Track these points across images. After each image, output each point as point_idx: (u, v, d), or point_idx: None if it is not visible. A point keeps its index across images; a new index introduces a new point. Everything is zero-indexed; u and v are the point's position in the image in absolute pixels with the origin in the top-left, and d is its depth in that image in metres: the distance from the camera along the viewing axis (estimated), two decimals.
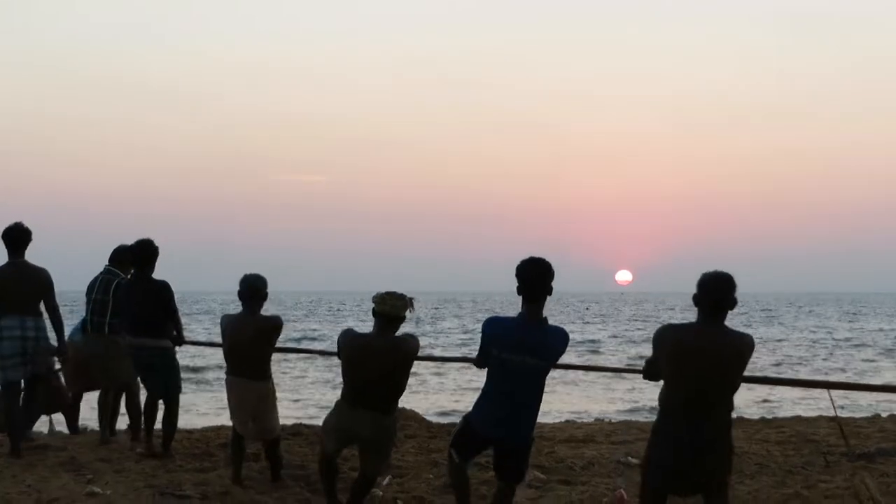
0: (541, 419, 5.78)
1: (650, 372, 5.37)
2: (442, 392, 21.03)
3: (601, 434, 9.74)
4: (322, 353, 11.47)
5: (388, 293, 6.13)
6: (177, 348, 8.27)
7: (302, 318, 68.12)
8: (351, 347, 6.16)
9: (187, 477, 7.31)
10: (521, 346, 5.44)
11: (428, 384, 22.25)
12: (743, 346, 5.02)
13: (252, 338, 6.95)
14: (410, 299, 6.19)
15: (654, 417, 12.48)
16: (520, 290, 5.52)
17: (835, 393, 7.01)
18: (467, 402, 19.82)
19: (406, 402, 14.12)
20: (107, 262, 8.72)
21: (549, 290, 5.55)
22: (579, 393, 21.33)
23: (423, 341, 6.44)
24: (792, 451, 8.77)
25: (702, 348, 4.94)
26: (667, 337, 5.10)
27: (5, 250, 8.17)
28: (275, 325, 7.09)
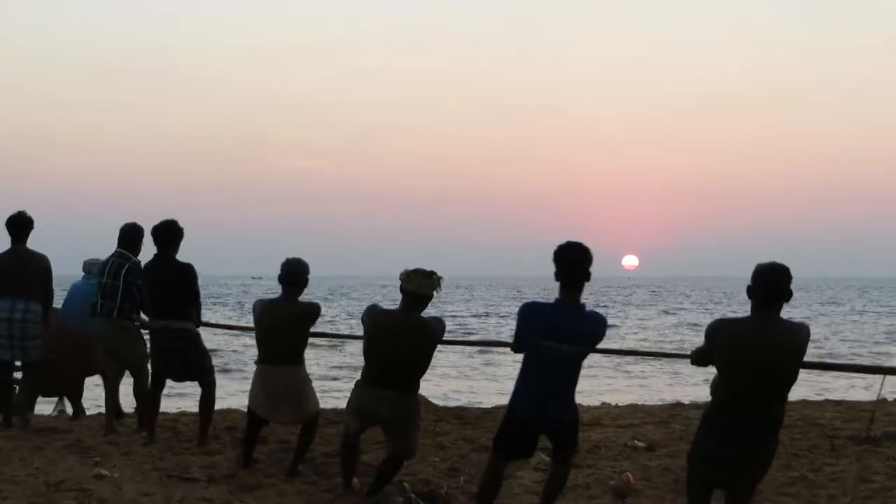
0: None
1: (699, 360, 5.33)
2: (448, 376, 21.04)
3: (607, 418, 9.74)
4: (349, 336, 11.31)
5: (414, 270, 6.04)
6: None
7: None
8: (375, 324, 6.11)
9: (194, 459, 7.33)
10: (558, 333, 5.35)
11: (434, 367, 22.17)
12: (799, 336, 4.95)
13: (289, 324, 6.80)
14: (439, 278, 6.08)
15: (661, 402, 12.45)
16: (557, 276, 5.42)
17: (841, 380, 6.98)
18: (473, 386, 19.91)
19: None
20: (117, 245, 8.40)
21: (588, 276, 5.44)
22: (585, 376, 21.17)
23: None
24: (798, 435, 8.76)
25: (756, 342, 4.87)
26: (720, 331, 5.05)
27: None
28: (313, 311, 6.93)
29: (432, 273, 6.06)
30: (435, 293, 6.13)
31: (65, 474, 6.70)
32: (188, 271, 7.95)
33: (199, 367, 7.97)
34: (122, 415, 9.11)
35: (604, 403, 11.71)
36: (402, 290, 6.07)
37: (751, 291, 5.00)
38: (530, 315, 5.51)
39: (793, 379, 5.00)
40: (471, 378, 21.14)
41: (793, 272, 5.04)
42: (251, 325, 7.14)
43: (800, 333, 4.97)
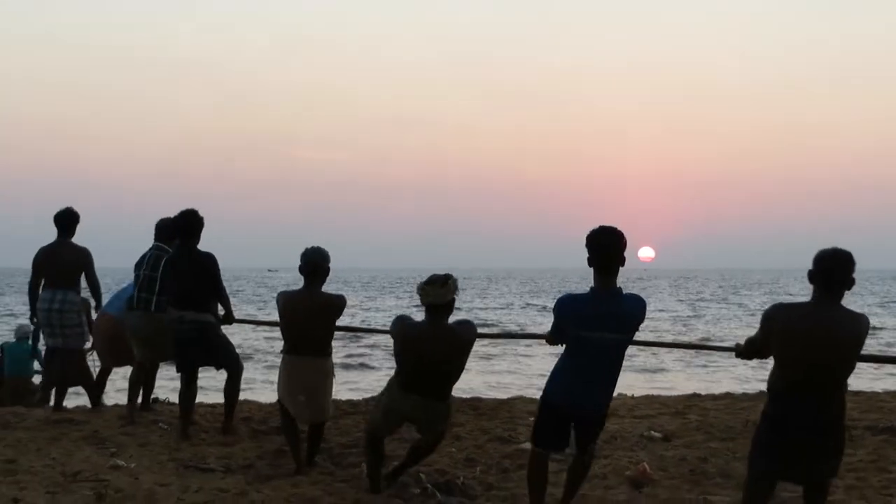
0: None
1: (748, 351, 5.24)
2: (466, 367, 21.06)
3: (624, 408, 9.72)
4: (369, 330, 11.29)
5: (427, 283, 5.93)
6: (224, 327, 8.10)
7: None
8: (404, 337, 6.03)
9: (211, 450, 7.35)
10: (597, 322, 5.21)
11: None
12: (859, 326, 4.80)
13: (312, 315, 6.70)
14: (455, 281, 5.97)
15: (675, 392, 12.36)
16: (591, 262, 5.27)
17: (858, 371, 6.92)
18: (489, 377, 19.88)
19: None
20: (154, 239, 8.48)
21: (622, 261, 5.30)
22: None
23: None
24: None
25: (813, 329, 4.75)
26: (777, 316, 4.91)
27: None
28: (338, 303, 6.82)
29: (447, 278, 5.95)
30: (455, 297, 6.03)
31: (81, 465, 6.73)
32: (209, 261, 7.87)
33: (218, 358, 7.94)
34: (150, 406, 9.08)
35: (620, 394, 11.68)
36: (422, 303, 5.98)
37: (811, 276, 4.85)
38: (567, 307, 5.37)
39: (850, 369, 4.87)
40: (487, 369, 21.14)
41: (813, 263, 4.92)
42: (273, 318, 7.09)
43: (860, 323, 4.82)
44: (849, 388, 5.08)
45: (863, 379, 17.40)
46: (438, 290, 5.92)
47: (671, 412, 9.57)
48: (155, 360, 8.56)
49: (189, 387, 7.93)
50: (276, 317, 7.08)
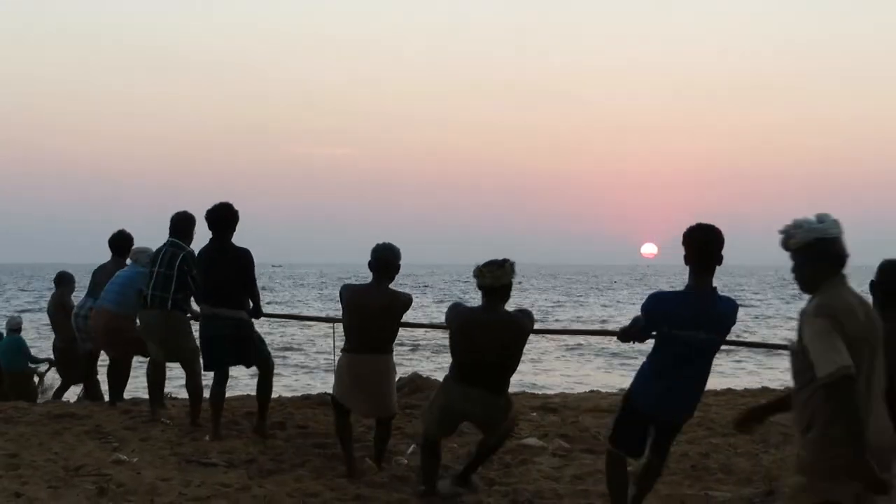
0: (567, 389, 5.68)
1: None
2: None
3: None
4: (432, 326, 11.29)
5: (485, 264, 5.87)
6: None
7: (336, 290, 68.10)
8: (460, 323, 5.94)
9: (213, 445, 7.34)
10: (693, 321, 5.05)
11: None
12: None
13: (381, 312, 6.57)
14: (512, 264, 5.91)
15: None
16: (687, 260, 5.11)
17: None
18: None
19: (431, 371, 14.05)
20: (169, 235, 8.16)
21: (720, 260, 5.14)
22: (605, 363, 21.22)
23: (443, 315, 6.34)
24: None
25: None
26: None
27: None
28: (405, 301, 6.72)
29: (504, 261, 5.87)
30: (512, 280, 5.97)
31: (84, 459, 6.74)
32: (244, 257, 7.72)
33: (250, 356, 7.82)
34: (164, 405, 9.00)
35: (621, 389, 11.67)
36: (479, 286, 5.92)
37: (872, 286, 4.86)
38: (661, 306, 5.18)
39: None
40: None
41: None
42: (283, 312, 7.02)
43: None
44: None
45: None
46: (496, 272, 5.84)
47: None
48: (167, 360, 8.37)
49: (221, 385, 7.80)
50: (284, 311, 7.05)
